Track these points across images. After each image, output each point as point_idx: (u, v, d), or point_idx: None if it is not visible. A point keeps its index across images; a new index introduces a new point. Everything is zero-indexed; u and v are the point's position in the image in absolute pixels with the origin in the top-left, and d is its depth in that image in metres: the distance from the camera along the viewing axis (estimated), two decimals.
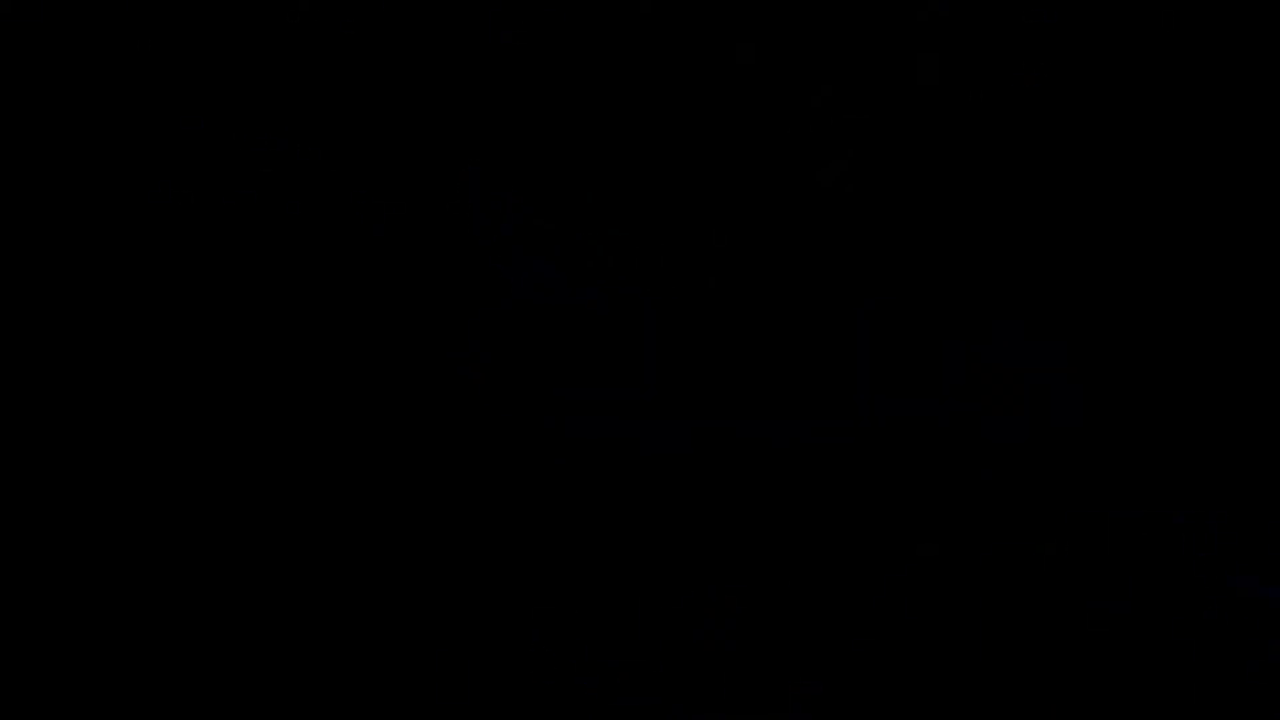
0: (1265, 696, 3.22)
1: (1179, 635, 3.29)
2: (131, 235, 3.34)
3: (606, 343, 3.60)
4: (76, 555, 3.22)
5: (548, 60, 3.60)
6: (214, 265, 3.39)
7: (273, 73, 3.50)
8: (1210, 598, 3.33)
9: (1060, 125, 3.63)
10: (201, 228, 3.39)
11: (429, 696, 3.24)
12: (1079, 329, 3.59)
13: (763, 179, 3.66)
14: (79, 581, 3.20)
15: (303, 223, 3.46)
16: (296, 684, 3.21)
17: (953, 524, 3.45)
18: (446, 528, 3.40)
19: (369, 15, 3.55)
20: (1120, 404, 3.53)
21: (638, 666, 3.30)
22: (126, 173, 3.35)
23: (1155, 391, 3.53)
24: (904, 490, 3.48)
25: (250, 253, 3.41)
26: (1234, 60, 3.57)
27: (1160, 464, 3.46)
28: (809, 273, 3.63)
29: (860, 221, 3.65)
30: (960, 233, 3.65)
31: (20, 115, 3.28)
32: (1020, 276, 3.63)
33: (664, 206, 3.64)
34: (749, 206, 3.65)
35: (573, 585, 3.40)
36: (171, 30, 3.39)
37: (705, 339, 3.62)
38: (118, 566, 3.22)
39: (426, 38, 3.56)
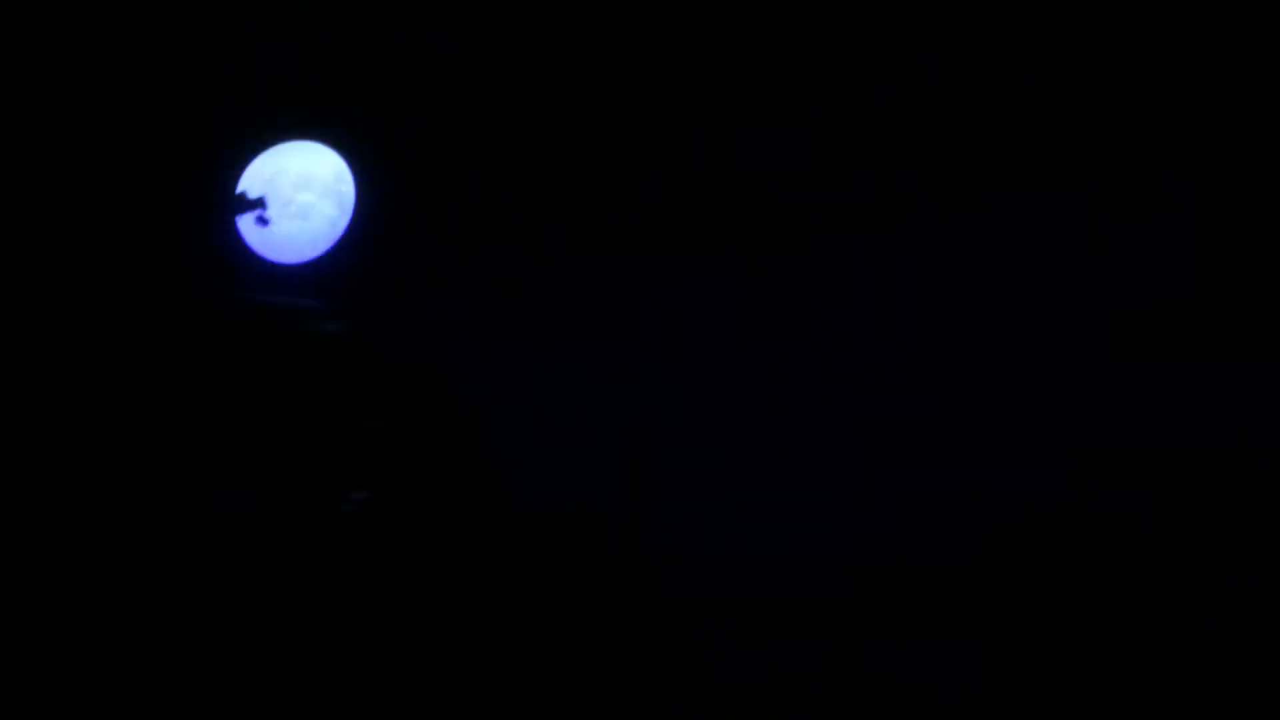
0: (1265, 696, 3.21)
1: (1179, 635, 3.29)
2: (130, 234, 3.35)
3: (606, 342, 3.60)
4: (74, 554, 3.22)
5: (547, 59, 3.60)
6: (213, 264, 3.40)
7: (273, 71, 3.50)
8: (1210, 598, 3.32)
9: (1059, 124, 3.62)
10: (201, 227, 3.39)
11: (430, 696, 3.24)
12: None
13: None
14: (76, 580, 3.20)
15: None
16: (299, 683, 3.21)
17: (952, 524, 3.45)
18: (446, 528, 3.41)
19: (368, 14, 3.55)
20: (1121, 403, 3.53)
21: (638, 666, 3.30)
22: (126, 172, 3.35)
23: (1155, 390, 3.52)
24: (904, 490, 3.48)
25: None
26: (1234, 59, 3.57)
27: (1160, 464, 3.45)
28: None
29: None
30: None
31: (19, 115, 3.29)
32: None
33: (663, 206, 3.65)
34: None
35: (573, 586, 3.40)
36: (171, 29, 3.39)
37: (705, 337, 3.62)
38: (115, 566, 3.22)
39: (426, 37, 3.56)
